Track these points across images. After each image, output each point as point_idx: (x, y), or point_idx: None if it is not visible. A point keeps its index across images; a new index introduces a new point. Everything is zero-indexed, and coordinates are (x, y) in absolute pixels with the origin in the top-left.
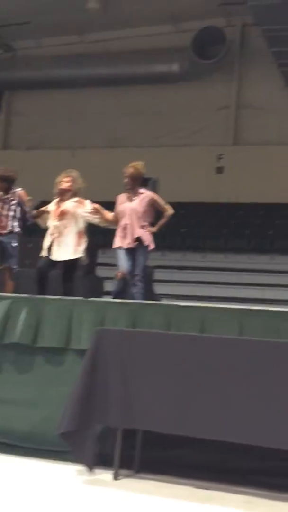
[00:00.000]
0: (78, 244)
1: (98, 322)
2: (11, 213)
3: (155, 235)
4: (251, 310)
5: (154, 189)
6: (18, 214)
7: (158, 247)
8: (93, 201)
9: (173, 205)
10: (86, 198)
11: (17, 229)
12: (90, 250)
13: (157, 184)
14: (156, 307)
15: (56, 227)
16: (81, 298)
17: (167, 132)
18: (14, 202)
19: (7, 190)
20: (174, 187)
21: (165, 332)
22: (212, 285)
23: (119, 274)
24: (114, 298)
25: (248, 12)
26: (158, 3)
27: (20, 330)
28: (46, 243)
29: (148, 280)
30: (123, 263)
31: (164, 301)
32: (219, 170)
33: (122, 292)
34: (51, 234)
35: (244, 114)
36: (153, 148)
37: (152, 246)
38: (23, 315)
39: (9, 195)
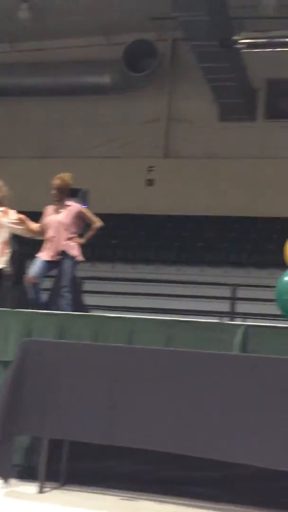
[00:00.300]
0: (1, 255)
1: (25, 333)
2: None
3: (84, 246)
4: (178, 321)
5: (84, 200)
6: None
7: (88, 258)
8: (23, 212)
9: (104, 216)
10: (15, 208)
11: None
12: (18, 260)
13: (88, 195)
14: (84, 318)
15: None
16: (7, 309)
17: (98, 144)
18: None
19: None
20: (105, 199)
21: (92, 343)
22: (142, 297)
23: (29, 278)
24: (34, 307)
25: (178, 27)
26: (90, 15)
27: None
28: None
29: (77, 291)
30: (35, 268)
31: (93, 312)
32: (150, 182)
33: (37, 299)
34: None
35: (174, 127)
36: (84, 159)
37: (80, 258)
38: None
39: None
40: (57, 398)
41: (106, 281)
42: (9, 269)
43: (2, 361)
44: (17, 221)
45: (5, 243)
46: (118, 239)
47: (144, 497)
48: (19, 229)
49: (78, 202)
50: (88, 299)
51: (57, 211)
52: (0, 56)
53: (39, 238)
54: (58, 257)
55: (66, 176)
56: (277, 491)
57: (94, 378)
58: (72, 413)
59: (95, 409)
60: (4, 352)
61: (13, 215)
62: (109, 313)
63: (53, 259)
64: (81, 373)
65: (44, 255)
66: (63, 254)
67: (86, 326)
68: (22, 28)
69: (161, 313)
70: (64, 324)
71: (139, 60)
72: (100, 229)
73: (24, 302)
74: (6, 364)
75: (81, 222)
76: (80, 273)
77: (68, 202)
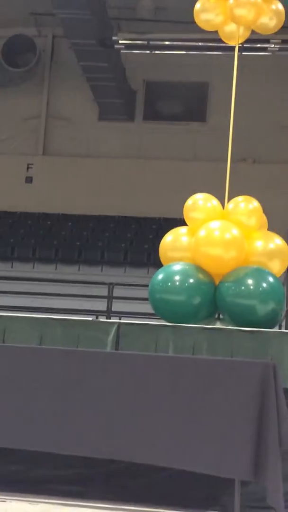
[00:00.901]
0: None
1: None
2: None
3: None
4: (51, 319)
5: None
6: None
7: None
8: None
9: None
10: None
11: None
12: None
13: None
14: None
15: None
16: None
17: None
18: None
19: None
20: None
21: None
22: (18, 295)
23: None
24: None
25: (59, 24)
26: None
27: None
28: None
29: None
30: None
31: None
32: (28, 179)
33: None
34: None
35: (54, 125)
36: None
37: None
38: None
39: None
40: None
41: None
42: None
43: None
44: None
45: None
46: None
47: (15, 498)
48: None
49: None
50: None
51: None
52: None
53: None
54: None
55: None
56: (148, 486)
57: None
58: None
59: None
60: None
61: None
62: None
63: None
64: None
65: None
66: None
67: None
68: None
69: (38, 311)
70: None
71: (18, 56)
72: None
73: None
74: None
75: None
76: None
77: None
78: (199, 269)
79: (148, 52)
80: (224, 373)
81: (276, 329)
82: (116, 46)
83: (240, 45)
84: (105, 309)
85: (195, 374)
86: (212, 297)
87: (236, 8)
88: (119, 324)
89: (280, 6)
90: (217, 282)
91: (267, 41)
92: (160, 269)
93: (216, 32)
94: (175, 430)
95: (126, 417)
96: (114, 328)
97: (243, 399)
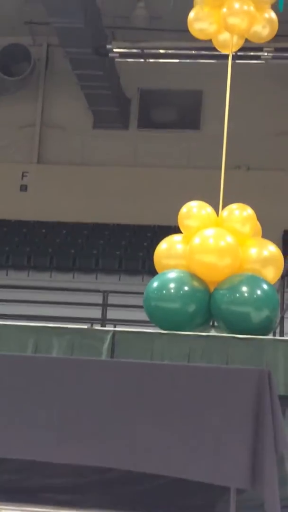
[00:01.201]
0: None
1: None
2: None
3: None
4: (46, 327)
5: None
6: None
7: None
8: None
9: None
10: None
11: None
12: None
13: None
14: None
15: None
16: None
17: None
18: None
19: None
20: None
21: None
22: (13, 303)
23: None
24: None
25: (53, 33)
26: None
27: None
28: None
29: None
30: None
31: None
32: (23, 187)
33: None
34: None
35: (49, 133)
36: None
37: None
38: None
39: None
40: None
41: None
42: None
43: None
44: None
45: None
46: None
47: (10, 507)
48: None
49: None
50: None
51: None
52: None
53: None
54: None
55: None
56: (144, 494)
57: None
58: None
59: None
60: None
61: None
62: None
63: None
64: None
65: None
66: None
67: None
68: None
69: (33, 319)
70: None
71: (13, 64)
72: None
73: None
74: None
75: None
76: None
77: None
78: (194, 276)
79: (142, 60)
80: (220, 380)
81: (270, 336)
82: (110, 54)
83: (234, 53)
84: (100, 316)
85: (191, 381)
86: (207, 305)
87: (229, 17)
88: (114, 332)
89: (273, 15)
90: (211, 289)
91: (260, 49)
92: (155, 277)
93: (210, 40)
94: (171, 437)
95: (122, 425)
96: (109, 336)
97: (239, 406)
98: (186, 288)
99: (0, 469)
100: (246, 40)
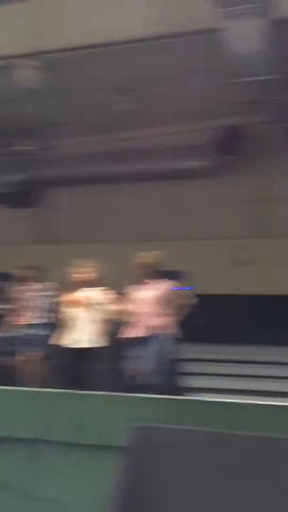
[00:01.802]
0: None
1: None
2: None
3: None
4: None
5: (182, 281)
6: None
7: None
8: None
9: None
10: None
11: None
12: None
13: (185, 277)
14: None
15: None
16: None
17: (180, 227)
18: None
19: None
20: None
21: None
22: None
23: None
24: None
25: (263, 111)
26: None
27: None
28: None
29: (172, 370)
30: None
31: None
32: (243, 262)
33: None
34: None
35: (268, 207)
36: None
37: (175, 334)
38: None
39: None
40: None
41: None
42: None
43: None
44: (114, 300)
45: (104, 321)
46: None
47: None
48: (114, 309)
49: (178, 284)
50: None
51: (146, 289)
52: (92, 146)
53: (128, 319)
54: (151, 333)
55: (153, 254)
56: None
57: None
58: None
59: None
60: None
61: (109, 295)
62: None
63: (146, 335)
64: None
65: (136, 332)
66: (155, 330)
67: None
68: (116, 119)
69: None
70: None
71: (228, 144)
72: (191, 306)
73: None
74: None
75: (172, 300)
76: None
77: (157, 281)
78: None
79: None
80: None
81: None
82: None
83: None
84: None
85: None
86: None
87: None
88: None
89: None
90: None
91: None
92: None
93: None
94: None
95: None
96: None
97: None
98: None
99: None
100: None
